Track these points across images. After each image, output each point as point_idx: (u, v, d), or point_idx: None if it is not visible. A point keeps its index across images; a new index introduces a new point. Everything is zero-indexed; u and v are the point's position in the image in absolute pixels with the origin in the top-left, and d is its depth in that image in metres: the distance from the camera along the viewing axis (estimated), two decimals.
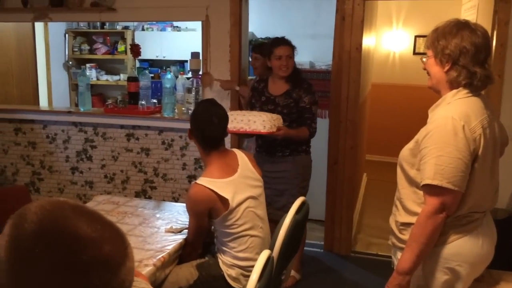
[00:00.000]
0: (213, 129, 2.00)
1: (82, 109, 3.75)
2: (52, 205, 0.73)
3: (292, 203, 2.11)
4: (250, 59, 3.66)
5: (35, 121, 3.85)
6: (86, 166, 3.85)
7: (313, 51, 5.08)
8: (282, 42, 2.86)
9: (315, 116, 2.84)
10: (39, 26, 5.30)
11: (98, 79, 5.75)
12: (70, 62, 5.74)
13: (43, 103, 5.41)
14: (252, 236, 1.98)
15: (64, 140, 3.84)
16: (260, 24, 4.82)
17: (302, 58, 4.99)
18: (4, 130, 3.92)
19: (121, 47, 5.71)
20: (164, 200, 3.67)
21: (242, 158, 2.08)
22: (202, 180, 1.93)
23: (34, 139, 3.88)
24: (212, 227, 2.05)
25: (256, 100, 2.93)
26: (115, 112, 3.69)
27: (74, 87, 5.83)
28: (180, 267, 1.99)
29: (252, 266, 1.96)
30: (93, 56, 5.80)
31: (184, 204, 2.49)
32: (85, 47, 5.77)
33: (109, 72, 5.92)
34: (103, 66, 5.93)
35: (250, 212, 1.98)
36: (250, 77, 3.61)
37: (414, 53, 6.00)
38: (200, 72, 3.56)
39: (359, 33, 3.21)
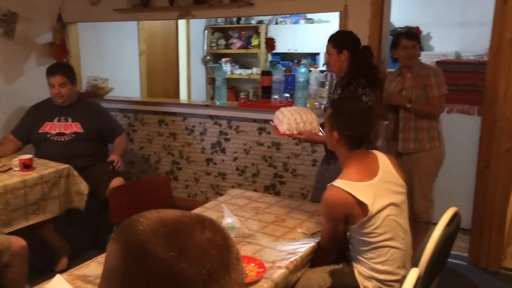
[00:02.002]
0: (365, 127, 1.91)
1: (218, 103, 3.88)
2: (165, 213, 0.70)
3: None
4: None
5: (177, 113, 4.09)
6: (219, 158, 3.98)
7: (460, 40, 4.60)
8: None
9: None
10: (182, 23, 5.67)
11: (232, 73, 5.95)
12: (208, 57, 6.03)
13: (183, 96, 5.79)
14: (392, 247, 1.79)
15: (201, 132, 4.02)
16: (399, 12, 4.47)
17: (447, 48, 4.54)
18: (149, 122, 4.24)
19: (254, 41, 5.82)
20: (292, 196, 3.63)
21: (384, 160, 1.90)
22: (339, 182, 1.80)
23: (175, 130, 4.13)
24: (348, 233, 1.91)
25: None
26: (248, 106, 3.74)
27: (210, 81, 6.13)
28: (313, 271, 1.89)
29: (392, 281, 1.79)
30: (228, 51, 6.02)
31: (317, 204, 2.40)
32: (222, 42, 6.01)
33: (243, 66, 6.09)
34: (237, 60, 6.12)
35: (391, 220, 1.79)
36: (389, 70, 3.35)
37: None
38: None
39: None
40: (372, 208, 1.75)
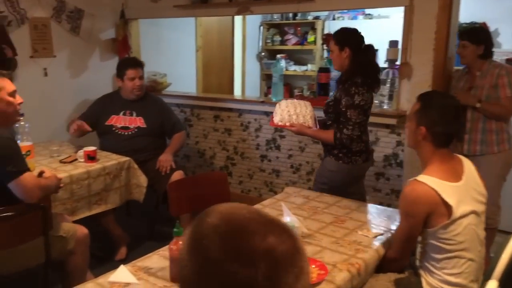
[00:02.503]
0: (457, 124, 1.84)
1: (274, 99, 3.85)
2: (233, 208, 0.70)
3: None
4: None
5: (232, 109, 4.10)
6: (274, 155, 3.96)
7: None
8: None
9: (351, 121, 2.47)
10: (238, 20, 5.68)
11: (287, 69, 5.89)
12: (263, 53, 6.01)
13: (237, 92, 5.81)
14: (469, 259, 1.68)
15: (256, 128, 4.01)
16: (466, 7, 4.25)
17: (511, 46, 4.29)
18: (205, 117, 4.28)
19: (310, 38, 5.73)
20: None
21: (469, 165, 1.79)
22: (424, 178, 1.68)
23: (230, 126, 4.15)
24: (419, 237, 1.81)
25: None
26: None
27: (264, 77, 6.11)
28: (376, 279, 1.81)
29: None
30: (283, 47, 5.96)
31: (379, 207, 2.32)
32: (277, 38, 5.97)
33: (297, 62, 6.02)
34: (292, 56, 6.06)
35: (471, 229, 1.68)
36: (456, 67, 3.19)
37: None
38: (397, 62, 3.29)
39: None
40: (457, 212, 1.64)
